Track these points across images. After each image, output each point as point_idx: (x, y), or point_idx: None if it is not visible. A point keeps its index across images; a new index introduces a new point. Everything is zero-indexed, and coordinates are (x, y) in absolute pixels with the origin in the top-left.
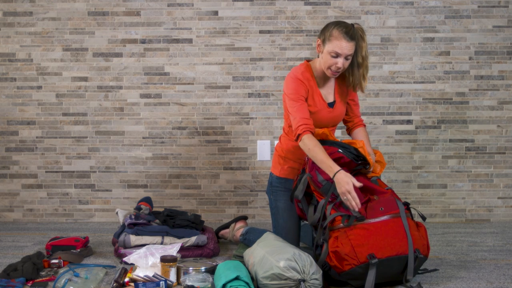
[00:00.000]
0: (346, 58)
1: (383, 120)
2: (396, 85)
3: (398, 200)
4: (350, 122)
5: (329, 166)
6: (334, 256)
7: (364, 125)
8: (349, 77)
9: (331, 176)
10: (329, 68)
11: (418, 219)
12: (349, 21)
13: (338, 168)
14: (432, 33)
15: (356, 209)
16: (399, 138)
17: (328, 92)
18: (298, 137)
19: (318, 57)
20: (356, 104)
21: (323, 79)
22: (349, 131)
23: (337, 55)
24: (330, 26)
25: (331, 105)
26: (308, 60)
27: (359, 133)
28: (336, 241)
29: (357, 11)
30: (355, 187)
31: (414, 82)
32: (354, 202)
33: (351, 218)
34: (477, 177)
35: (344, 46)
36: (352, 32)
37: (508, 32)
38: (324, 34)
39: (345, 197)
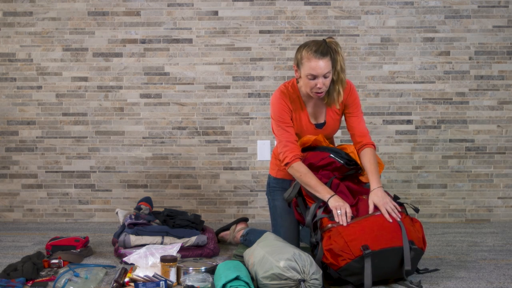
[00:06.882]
0: (325, 77)
1: (383, 120)
2: (396, 85)
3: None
4: (356, 143)
5: (324, 189)
6: (329, 254)
7: (373, 146)
8: (328, 94)
9: (326, 200)
10: (311, 90)
11: (419, 219)
12: (347, 22)
13: (332, 192)
14: (432, 33)
15: (343, 224)
16: (399, 138)
17: (319, 112)
18: (286, 164)
19: (297, 82)
20: (355, 116)
21: (311, 98)
22: (357, 152)
23: (314, 77)
24: (300, 49)
25: (320, 126)
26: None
27: (363, 156)
28: (329, 240)
29: (357, 11)
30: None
31: (414, 82)
32: (344, 217)
33: None
34: (477, 177)
35: (317, 66)
36: (323, 48)
37: (508, 32)
38: (296, 58)
39: (338, 211)
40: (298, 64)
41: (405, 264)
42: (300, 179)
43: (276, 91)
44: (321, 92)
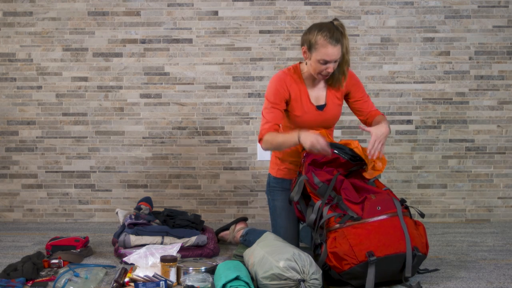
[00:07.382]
0: (335, 61)
1: None
2: (396, 85)
3: (395, 199)
4: (366, 117)
5: (290, 137)
6: (333, 256)
7: (382, 114)
8: (332, 75)
9: (297, 140)
10: (319, 73)
11: (418, 218)
12: (347, 22)
13: (297, 131)
14: (432, 33)
15: (330, 154)
16: (399, 138)
17: (319, 95)
18: (259, 141)
19: (305, 64)
20: (365, 101)
21: (313, 81)
22: (368, 124)
23: (326, 62)
24: (313, 32)
25: (320, 108)
26: (301, 62)
27: (376, 119)
28: (334, 242)
29: (357, 11)
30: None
31: (414, 82)
32: (325, 150)
33: (344, 217)
34: (477, 177)
35: (332, 52)
36: (337, 35)
37: (508, 32)
38: (308, 41)
39: (315, 150)
40: (310, 48)
41: (406, 271)
42: (273, 146)
43: (278, 72)
44: (329, 74)
